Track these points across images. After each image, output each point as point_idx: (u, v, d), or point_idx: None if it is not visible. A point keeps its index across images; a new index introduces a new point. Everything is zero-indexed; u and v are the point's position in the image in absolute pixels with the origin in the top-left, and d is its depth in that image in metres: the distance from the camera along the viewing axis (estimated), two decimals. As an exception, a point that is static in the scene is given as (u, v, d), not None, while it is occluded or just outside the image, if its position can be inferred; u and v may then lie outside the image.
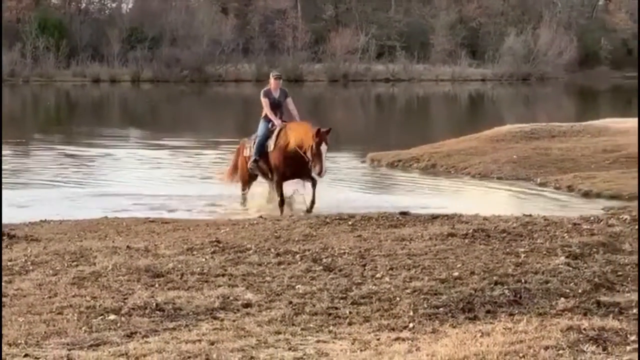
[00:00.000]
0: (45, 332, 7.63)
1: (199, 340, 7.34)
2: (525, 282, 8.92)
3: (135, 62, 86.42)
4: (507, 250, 10.43)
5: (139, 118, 55.39)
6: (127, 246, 11.10)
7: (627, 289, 8.88)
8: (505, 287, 8.74)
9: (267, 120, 17.38)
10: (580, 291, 8.68)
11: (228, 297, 8.66)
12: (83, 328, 7.75)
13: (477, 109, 66.02)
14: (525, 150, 24.87)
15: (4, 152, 26.15)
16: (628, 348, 6.91)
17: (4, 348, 7.19)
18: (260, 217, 14.50)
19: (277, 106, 17.48)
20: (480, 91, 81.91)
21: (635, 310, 8.08)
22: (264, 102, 17.44)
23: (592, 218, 12.81)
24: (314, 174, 16.67)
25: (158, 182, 22.97)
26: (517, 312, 8.07)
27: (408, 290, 8.72)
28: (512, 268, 9.47)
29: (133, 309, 8.29)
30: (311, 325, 7.85)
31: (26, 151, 31.94)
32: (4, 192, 18.20)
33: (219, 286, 9.12)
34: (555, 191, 20.54)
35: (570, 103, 69.55)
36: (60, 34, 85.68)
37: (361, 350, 7.12)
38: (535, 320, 7.70)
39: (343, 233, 12.06)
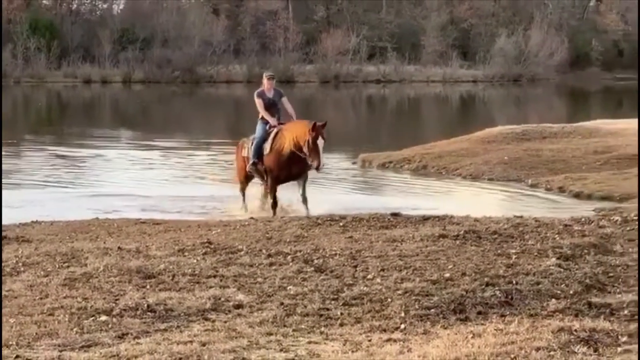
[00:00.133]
0: (36, 333, 7.61)
1: (191, 342, 7.33)
2: (517, 283, 8.93)
3: (126, 63, 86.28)
4: (498, 251, 10.44)
5: (130, 119, 55.33)
6: (119, 247, 11.08)
7: (618, 290, 8.90)
8: (497, 288, 8.74)
9: (265, 122, 17.30)
10: (571, 292, 8.69)
11: (219, 298, 8.65)
12: (74, 329, 7.74)
13: (469, 110, 66.11)
14: (517, 151, 24.88)
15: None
16: (619, 349, 6.93)
17: (-5, 349, 7.19)
18: (252, 218, 14.49)
19: (271, 106, 17.34)
20: (471, 92, 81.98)
21: (626, 312, 8.09)
22: (258, 103, 17.30)
23: (583, 219, 12.83)
24: (312, 168, 16.66)
25: (149, 183, 22.96)
26: (508, 313, 8.08)
27: (399, 292, 8.72)
28: (503, 269, 9.48)
29: (124, 310, 8.28)
30: (303, 327, 7.85)
31: (17, 152, 31.88)
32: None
33: (211, 287, 9.11)
34: (546, 192, 20.58)
35: (561, 104, 69.70)
36: (52, 34, 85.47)
37: (353, 352, 7.12)
38: (526, 322, 7.71)
39: (334, 234, 12.06)
